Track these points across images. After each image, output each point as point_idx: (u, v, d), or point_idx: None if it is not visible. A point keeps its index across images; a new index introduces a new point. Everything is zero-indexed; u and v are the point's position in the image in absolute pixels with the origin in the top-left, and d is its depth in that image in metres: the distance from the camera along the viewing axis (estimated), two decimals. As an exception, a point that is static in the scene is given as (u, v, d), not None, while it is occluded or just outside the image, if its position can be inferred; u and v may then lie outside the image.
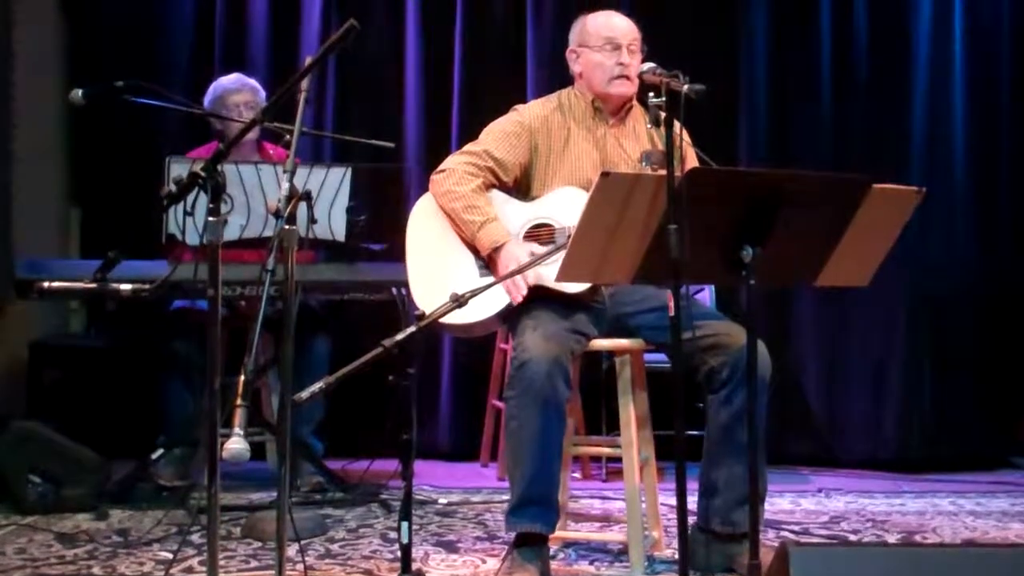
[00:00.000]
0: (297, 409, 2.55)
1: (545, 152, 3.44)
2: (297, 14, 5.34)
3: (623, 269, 2.72)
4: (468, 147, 3.49)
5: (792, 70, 5.24)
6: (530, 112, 3.52)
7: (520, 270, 3.08)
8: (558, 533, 3.32)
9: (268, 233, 3.70)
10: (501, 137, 3.46)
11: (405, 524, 2.66)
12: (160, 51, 5.32)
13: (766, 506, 3.50)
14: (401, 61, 5.33)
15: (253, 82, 4.53)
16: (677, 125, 2.81)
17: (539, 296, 3.24)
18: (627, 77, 3.40)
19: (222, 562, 3.28)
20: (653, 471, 3.49)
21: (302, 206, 2.49)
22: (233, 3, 5.35)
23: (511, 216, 3.38)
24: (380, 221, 4.29)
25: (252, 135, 4.42)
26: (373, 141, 4.04)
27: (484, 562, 3.42)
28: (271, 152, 4.51)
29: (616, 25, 3.46)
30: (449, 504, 4.22)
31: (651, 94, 2.96)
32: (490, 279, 3.12)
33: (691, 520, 3.08)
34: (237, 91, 4.45)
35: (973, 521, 4.04)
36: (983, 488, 4.62)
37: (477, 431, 5.10)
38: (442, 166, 3.46)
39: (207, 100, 4.50)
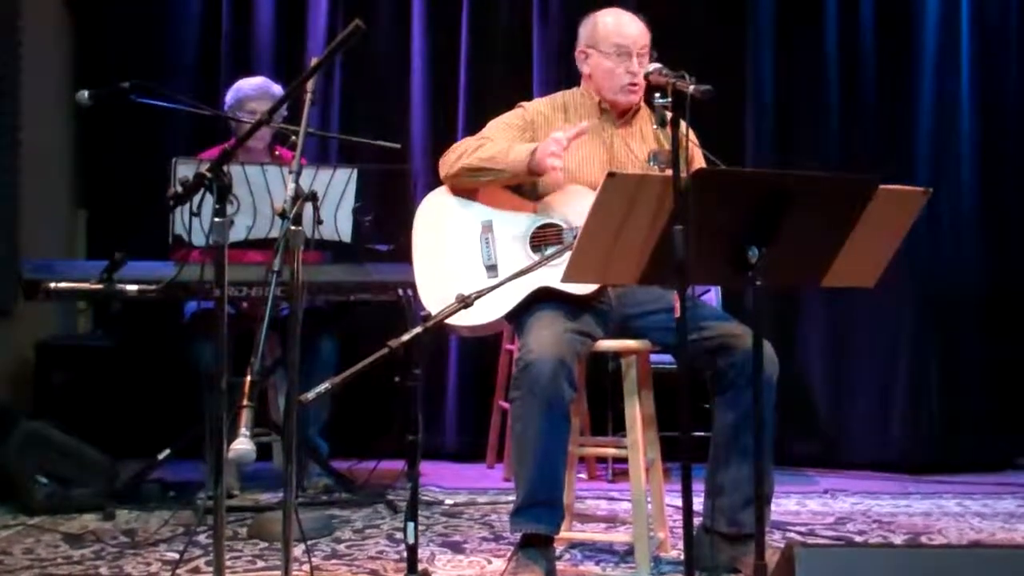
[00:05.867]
0: (303, 410, 2.55)
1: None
2: (303, 15, 5.35)
3: (629, 270, 2.72)
4: (471, 136, 3.50)
5: (798, 70, 5.23)
6: (534, 108, 3.53)
7: (526, 271, 3.07)
8: (564, 534, 3.32)
9: (275, 234, 3.68)
10: (503, 128, 3.47)
11: (411, 525, 2.66)
12: (166, 53, 5.34)
13: (772, 507, 3.51)
14: (407, 62, 5.35)
15: (276, 89, 4.44)
16: (683, 125, 2.80)
17: (545, 297, 3.25)
18: (636, 85, 3.41)
19: (228, 562, 3.28)
20: (659, 472, 3.48)
21: (308, 207, 2.49)
22: (239, 4, 5.36)
23: (518, 216, 3.38)
24: (386, 222, 4.29)
25: (263, 140, 4.41)
26: (379, 142, 4.03)
27: (490, 563, 3.42)
28: (278, 155, 4.49)
29: (627, 31, 3.43)
30: (455, 505, 4.22)
31: (657, 95, 2.95)
32: (496, 280, 3.11)
33: (697, 521, 3.07)
34: (256, 98, 4.38)
35: (979, 522, 4.03)
36: (990, 489, 4.61)
37: (483, 432, 5.10)
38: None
39: (228, 99, 4.48)
